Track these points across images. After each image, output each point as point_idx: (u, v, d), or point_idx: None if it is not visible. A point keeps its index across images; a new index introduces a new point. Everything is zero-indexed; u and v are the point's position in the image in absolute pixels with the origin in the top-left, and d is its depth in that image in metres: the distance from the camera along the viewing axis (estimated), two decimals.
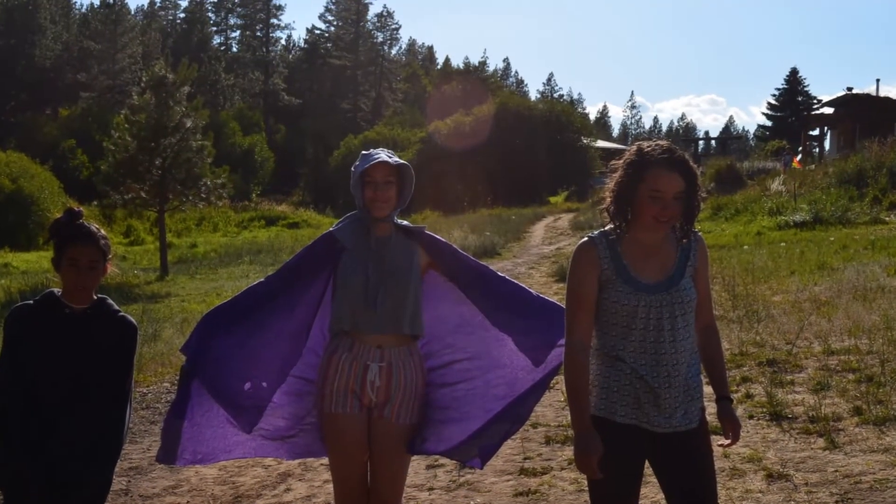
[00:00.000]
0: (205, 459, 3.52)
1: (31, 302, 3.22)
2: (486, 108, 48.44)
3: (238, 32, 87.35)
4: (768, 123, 78.38)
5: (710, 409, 2.98)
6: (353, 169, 3.44)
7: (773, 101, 77.84)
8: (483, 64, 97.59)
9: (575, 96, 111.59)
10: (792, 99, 76.90)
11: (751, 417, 5.85)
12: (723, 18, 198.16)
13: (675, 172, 2.81)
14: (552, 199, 43.51)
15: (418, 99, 77.60)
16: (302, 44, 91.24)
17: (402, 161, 3.41)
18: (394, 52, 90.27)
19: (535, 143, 45.14)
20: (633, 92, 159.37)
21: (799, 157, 39.53)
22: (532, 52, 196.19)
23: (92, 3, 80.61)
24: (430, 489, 4.98)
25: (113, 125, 26.13)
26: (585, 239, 2.96)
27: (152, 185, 23.41)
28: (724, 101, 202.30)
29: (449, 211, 35.27)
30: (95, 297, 3.24)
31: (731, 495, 4.52)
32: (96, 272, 3.18)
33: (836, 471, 4.77)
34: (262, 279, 3.53)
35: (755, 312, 9.33)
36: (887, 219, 19.82)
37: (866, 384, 6.29)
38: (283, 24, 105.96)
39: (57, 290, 3.23)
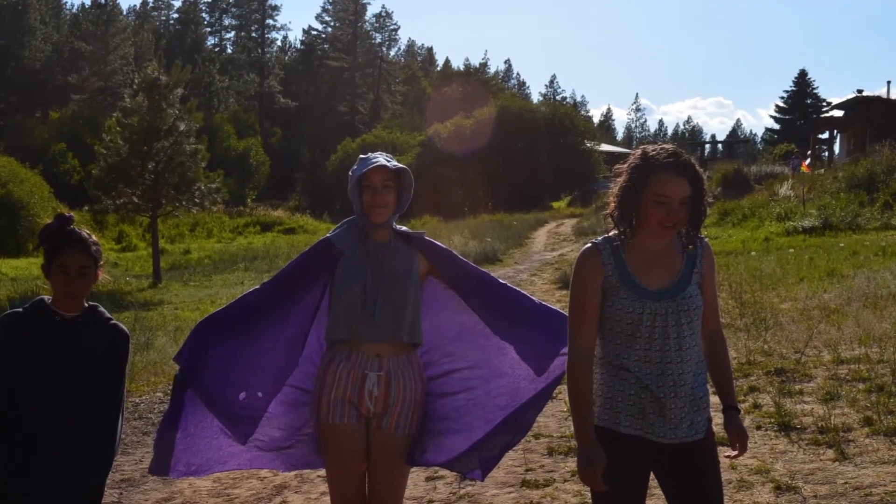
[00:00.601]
0: (199, 471, 3.47)
1: (21, 309, 3.19)
2: (487, 110, 48.55)
3: (233, 33, 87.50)
4: (776, 126, 78.62)
5: (717, 419, 2.96)
6: (350, 173, 3.40)
7: (782, 104, 78.02)
8: (484, 65, 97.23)
9: (578, 99, 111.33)
10: (801, 101, 76.98)
11: (758, 428, 5.79)
12: (729, 19, 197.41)
13: (681, 177, 2.78)
14: (555, 205, 43.42)
15: (417, 101, 77.51)
16: (298, 45, 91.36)
17: (400, 165, 3.39)
18: (392, 53, 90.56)
19: (537, 147, 45.25)
20: (637, 94, 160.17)
21: (808, 160, 39.31)
22: (534, 54, 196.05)
23: (83, 4, 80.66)
24: (430, 501, 4.93)
25: (104, 128, 26.22)
26: (589, 245, 2.93)
27: (145, 190, 23.46)
28: (731, 104, 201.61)
29: (449, 216, 35.29)
30: (86, 305, 3.21)
31: None
32: (87, 279, 3.15)
33: (846, 483, 4.72)
34: (257, 286, 3.48)
35: (763, 320, 9.28)
36: None
37: (877, 394, 6.23)
38: (278, 25, 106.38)
39: (47, 298, 3.20)
